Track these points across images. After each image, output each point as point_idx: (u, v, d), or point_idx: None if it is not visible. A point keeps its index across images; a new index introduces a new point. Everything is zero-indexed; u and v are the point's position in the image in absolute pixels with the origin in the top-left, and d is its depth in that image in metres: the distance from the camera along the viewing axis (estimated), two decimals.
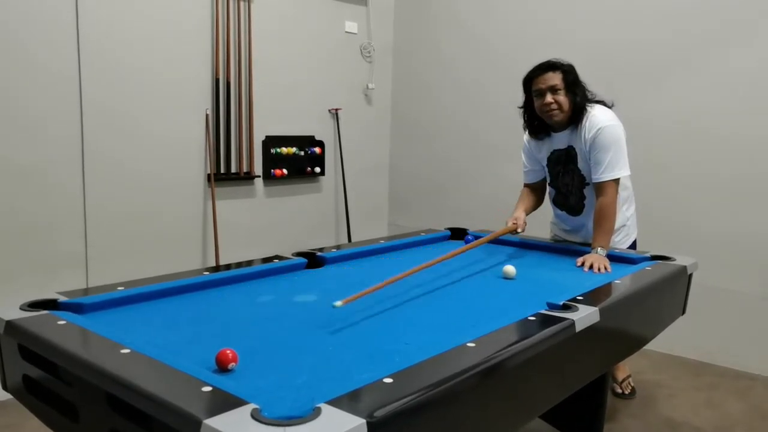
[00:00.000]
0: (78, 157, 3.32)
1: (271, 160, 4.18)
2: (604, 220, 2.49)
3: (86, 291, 1.77)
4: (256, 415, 1.00)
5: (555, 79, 2.49)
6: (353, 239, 4.64)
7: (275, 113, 4.20)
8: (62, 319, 1.47)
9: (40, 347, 1.36)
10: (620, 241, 2.74)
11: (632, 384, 3.14)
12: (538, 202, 2.86)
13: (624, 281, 2.04)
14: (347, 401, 1.06)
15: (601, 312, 1.70)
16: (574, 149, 2.59)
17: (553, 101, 2.49)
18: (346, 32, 4.63)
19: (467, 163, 4.60)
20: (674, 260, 2.37)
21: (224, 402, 1.05)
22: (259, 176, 4.16)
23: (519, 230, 2.64)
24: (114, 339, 1.35)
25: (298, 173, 4.38)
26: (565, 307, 1.69)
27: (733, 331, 3.50)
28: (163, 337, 1.49)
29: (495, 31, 4.36)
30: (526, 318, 1.59)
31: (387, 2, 4.91)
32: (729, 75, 3.41)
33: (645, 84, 3.69)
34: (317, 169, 4.47)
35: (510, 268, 2.16)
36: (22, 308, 1.54)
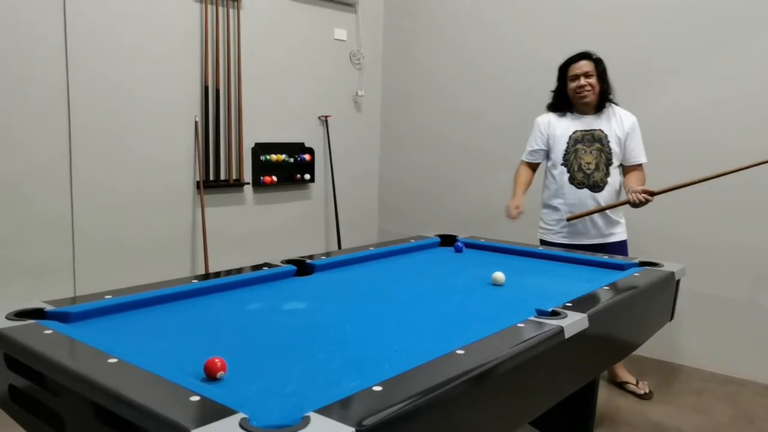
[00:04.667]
0: (66, 164, 3.30)
1: (260, 167, 4.17)
2: (643, 183, 2.94)
3: (73, 300, 1.75)
4: (244, 425, 0.99)
5: (589, 66, 2.95)
6: (343, 246, 4.63)
7: (265, 120, 4.20)
8: (48, 329, 1.46)
9: (26, 357, 1.35)
10: (622, 232, 3.07)
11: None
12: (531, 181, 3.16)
13: (612, 287, 2.05)
14: (336, 410, 1.06)
15: (590, 318, 1.71)
16: (603, 131, 2.98)
17: (587, 84, 2.94)
18: (336, 39, 4.64)
19: (456, 170, 4.61)
20: (662, 266, 2.39)
21: (212, 411, 1.04)
22: (248, 183, 4.15)
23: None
24: (101, 348, 1.34)
25: (287, 180, 4.38)
26: (554, 314, 1.70)
27: (721, 336, 3.52)
28: (151, 346, 1.48)
29: (483, 41, 4.39)
30: (516, 325, 1.60)
31: (376, 10, 4.92)
32: (717, 84, 3.44)
33: (633, 93, 3.72)
34: (307, 176, 4.46)
35: (499, 275, 2.16)
36: (8, 317, 1.52)
